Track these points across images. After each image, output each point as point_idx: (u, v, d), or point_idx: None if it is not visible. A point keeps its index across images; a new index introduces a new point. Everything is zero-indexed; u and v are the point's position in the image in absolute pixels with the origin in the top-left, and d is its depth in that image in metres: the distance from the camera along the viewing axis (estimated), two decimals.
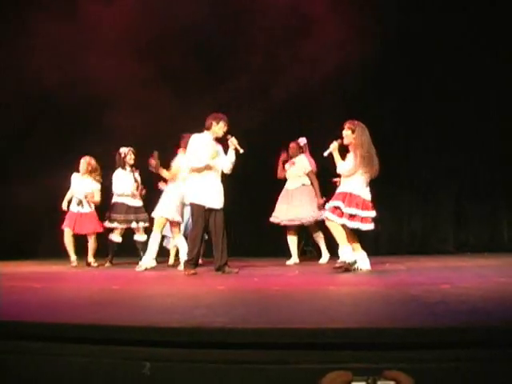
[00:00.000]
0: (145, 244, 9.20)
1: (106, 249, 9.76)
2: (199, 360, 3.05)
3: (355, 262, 7.04)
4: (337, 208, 7.03)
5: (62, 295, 5.48)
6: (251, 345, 3.03)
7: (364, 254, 7.23)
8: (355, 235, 7.24)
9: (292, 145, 9.38)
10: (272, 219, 9.32)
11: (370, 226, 7.12)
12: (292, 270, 7.99)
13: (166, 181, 8.96)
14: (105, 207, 9.72)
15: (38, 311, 4.20)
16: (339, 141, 7.23)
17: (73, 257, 9.45)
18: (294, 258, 9.26)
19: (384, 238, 10.51)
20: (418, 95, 10.60)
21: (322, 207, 8.73)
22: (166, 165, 8.78)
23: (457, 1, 10.11)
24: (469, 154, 10.49)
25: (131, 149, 9.44)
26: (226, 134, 7.65)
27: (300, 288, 5.71)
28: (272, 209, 9.36)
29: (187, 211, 8.85)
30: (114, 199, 9.53)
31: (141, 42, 10.19)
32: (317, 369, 2.67)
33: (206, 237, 8.43)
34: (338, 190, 7.21)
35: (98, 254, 9.80)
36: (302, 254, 10.33)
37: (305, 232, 9.89)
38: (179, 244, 8.80)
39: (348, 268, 6.99)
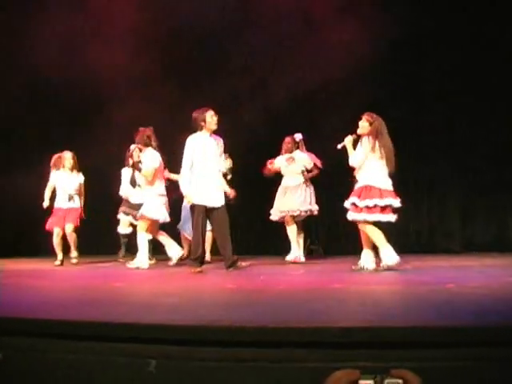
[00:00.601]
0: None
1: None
2: (205, 358, 3.05)
3: (398, 262, 6.94)
4: (353, 204, 6.98)
5: (67, 293, 5.49)
6: (257, 343, 3.02)
7: (371, 254, 7.18)
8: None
9: (287, 139, 9.24)
10: (272, 217, 9.27)
11: (390, 217, 7.02)
12: (297, 268, 7.97)
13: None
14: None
15: (42, 308, 4.20)
16: (354, 135, 7.18)
17: (60, 255, 9.37)
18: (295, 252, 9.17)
19: (390, 237, 10.47)
20: (426, 92, 10.57)
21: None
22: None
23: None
24: (476, 152, 10.44)
25: (138, 146, 9.39)
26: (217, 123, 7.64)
27: (306, 287, 5.70)
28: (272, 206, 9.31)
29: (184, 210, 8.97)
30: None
31: (147, 36, 10.14)
32: (323, 367, 2.66)
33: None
34: (356, 186, 7.16)
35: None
36: (309, 253, 10.31)
37: (311, 231, 9.88)
38: (163, 241, 8.85)
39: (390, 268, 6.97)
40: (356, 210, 6.94)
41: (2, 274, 7.36)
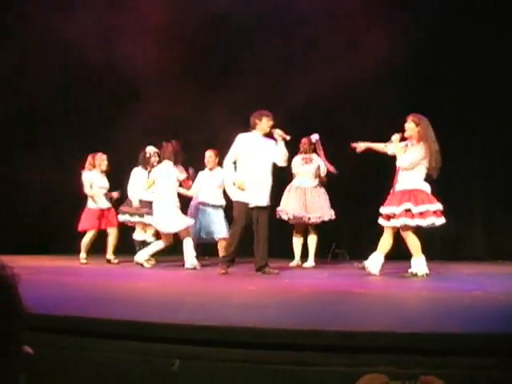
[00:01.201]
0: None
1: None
2: (229, 359, 3.04)
3: (426, 275, 6.87)
4: (407, 211, 6.90)
5: (93, 290, 5.51)
6: (283, 346, 3.02)
7: (381, 257, 7.10)
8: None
9: (304, 140, 9.01)
10: (283, 216, 8.89)
11: (443, 220, 6.99)
12: (321, 272, 7.93)
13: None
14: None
15: (69, 305, 4.23)
16: (400, 134, 7.11)
17: (85, 254, 9.37)
18: (298, 260, 8.97)
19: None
20: (448, 97, 10.48)
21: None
22: None
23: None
24: (503, 158, 10.33)
25: (157, 151, 9.35)
26: (271, 128, 7.61)
27: (330, 290, 5.67)
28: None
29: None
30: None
31: (169, 35, 10.15)
32: (350, 372, 2.65)
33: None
34: (398, 189, 7.03)
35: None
36: (333, 257, 10.26)
37: (336, 235, 9.83)
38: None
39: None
40: (409, 216, 6.84)
41: (28, 271, 7.39)
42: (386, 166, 7.45)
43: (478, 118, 10.33)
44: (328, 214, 8.86)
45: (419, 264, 6.82)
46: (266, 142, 7.59)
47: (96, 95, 11.08)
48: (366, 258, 7.14)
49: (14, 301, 1.71)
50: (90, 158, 9.50)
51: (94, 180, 9.43)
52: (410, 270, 6.84)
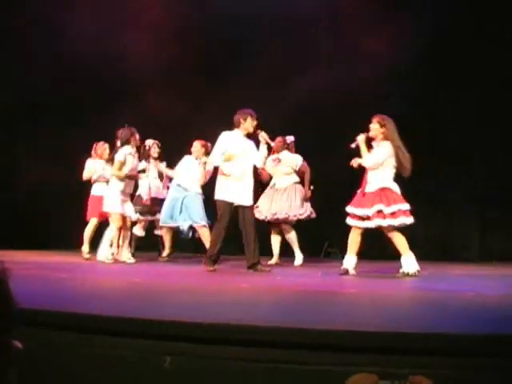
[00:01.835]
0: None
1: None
2: (220, 356, 3.05)
3: (417, 272, 6.89)
4: (380, 212, 6.89)
5: (86, 286, 5.51)
6: (274, 344, 3.02)
7: (355, 259, 7.12)
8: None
9: (278, 139, 8.82)
10: (256, 214, 8.55)
11: (411, 219, 6.92)
12: (314, 270, 7.94)
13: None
14: None
15: (61, 301, 4.22)
16: (366, 134, 7.13)
17: (87, 248, 9.29)
18: (275, 259, 8.90)
19: (408, 243, 10.42)
20: (444, 101, 10.50)
21: (308, 200, 8.79)
22: None
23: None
24: (495, 161, 10.35)
25: (156, 141, 9.36)
26: (255, 128, 7.62)
27: (322, 289, 5.68)
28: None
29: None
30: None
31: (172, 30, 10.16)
32: (340, 371, 2.66)
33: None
34: (369, 190, 7.04)
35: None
36: (326, 255, 10.27)
37: (328, 234, 9.84)
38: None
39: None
40: (381, 216, 6.87)
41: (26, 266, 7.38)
42: None
43: (474, 120, 10.33)
44: (296, 211, 8.77)
45: (409, 262, 6.81)
46: (246, 141, 7.61)
47: (92, 90, 11.03)
48: (359, 258, 7.15)
49: (5, 296, 1.70)
50: (94, 146, 9.49)
51: (96, 169, 9.38)
52: (401, 270, 6.83)
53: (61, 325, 3.39)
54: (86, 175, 9.36)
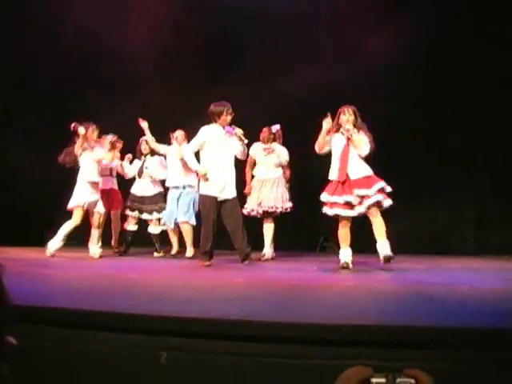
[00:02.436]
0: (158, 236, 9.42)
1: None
2: (215, 351, 3.05)
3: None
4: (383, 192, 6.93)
5: (80, 282, 5.51)
6: (268, 338, 3.02)
7: (350, 251, 7.14)
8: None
9: (264, 129, 8.79)
10: (246, 212, 8.64)
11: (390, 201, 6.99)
12: (310, 265, 7.95)
13: None
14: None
15: (56, 297, 4.22)
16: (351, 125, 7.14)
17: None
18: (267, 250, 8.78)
19: (404, 236, 10.41)
20: (442, 94, 10.50)
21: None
22: None
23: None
24: (492, 154, 10.36)
25: (144, 138, 9.38)
26: (230, 122, 7.63)
27: (319, 284, 5.69)
28: None
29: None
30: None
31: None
32: (335, 365, 2.66)
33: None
34: (359, 176, 7.00)
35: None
36: (321, 249, 10.28)
37: (325, 227, 9.84)
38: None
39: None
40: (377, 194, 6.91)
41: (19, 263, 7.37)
42: (375, 161, 7.45)
43: (471, 115, 10.33)
44: (280, 204, 8.70)
45: (387, 245, 6.82)
46: (226, 134, 7.61)
47: (92, 88, 11.01)
48: (355, 252, 7.16)
49: None
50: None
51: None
52: (384, 256, 6.79)
53: (55, 321, 3.38)
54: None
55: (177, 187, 9.14)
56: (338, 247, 7.32)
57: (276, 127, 8.87)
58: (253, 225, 8.64)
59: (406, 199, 9.75)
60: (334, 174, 7.11)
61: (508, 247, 9.96)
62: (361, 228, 7.19)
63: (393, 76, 10.09)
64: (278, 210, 8.70)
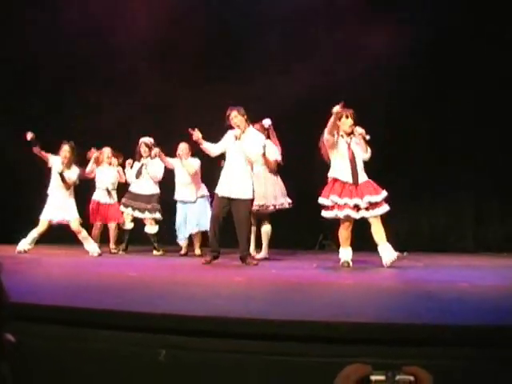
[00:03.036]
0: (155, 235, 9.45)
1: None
2: (215, 349, 3.05)
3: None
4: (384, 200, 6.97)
5: (80, 280, 5.51)
6: (268, 336, 3.02)
7: (351, 250, 7.16)
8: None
9: (256, 126, 8.31)
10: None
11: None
12: (309, 263, 7.95)
13: None
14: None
15: (55, 295, 4.22)
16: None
17: (113, 244, 9.56)
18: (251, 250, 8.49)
19: (402, 234, 10.43)
20: (442, 92, 10.50)
21: None
22: None
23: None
24: (491, 152, 10.36)
25: (144, 141, 9.38)
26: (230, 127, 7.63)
27: (318, 282, 5.68)
28: None
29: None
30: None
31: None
32: (334, 362, 2.66)
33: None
34: (363, 180, 7.04)
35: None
36: (321, 247, 10.28)
37: (323, 225, 9.84)
38: None
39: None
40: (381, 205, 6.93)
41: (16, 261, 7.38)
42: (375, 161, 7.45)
43: (471, 114, 10.34)
44: (271, 202, 8.56)
45: (390, 248, 6.87)
46: (242, 136, 7.57)
47: (92, 87, 11.00)
48: (354, 250, 7.17)
49: None
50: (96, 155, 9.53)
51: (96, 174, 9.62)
52: (388, 261, 6.83)
53: (54, 319, 3.38)
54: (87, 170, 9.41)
55: (184, 202, 9.22)
56: (337, 246, 7.32)
57: (268, 122, 8.70)
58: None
59: (406, 199, 9.79)
60: (341, 175, 7.10)
61: (507, 245, 9.98)
62: (360, 227, 7.20)
63: (393, 76, 10.09)
64: (270, 208, 8.53)
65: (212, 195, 8.15)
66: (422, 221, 10.83)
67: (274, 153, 8.60)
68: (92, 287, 4.85)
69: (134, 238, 9.74)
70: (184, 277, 6.16)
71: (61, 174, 8.65)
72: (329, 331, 2.98)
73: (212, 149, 7.71)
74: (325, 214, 7.09)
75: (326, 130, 7.05)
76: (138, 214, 9.41)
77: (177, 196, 9.30)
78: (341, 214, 6.96)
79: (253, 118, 7.92)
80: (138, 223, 9.56)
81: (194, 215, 9.14)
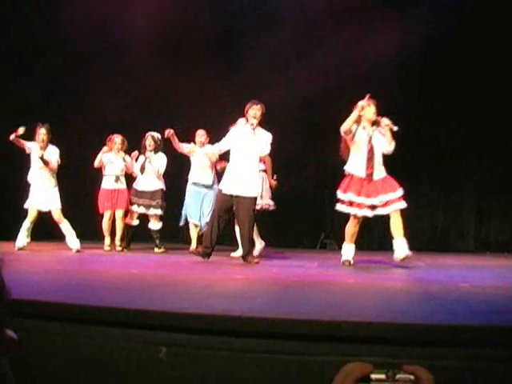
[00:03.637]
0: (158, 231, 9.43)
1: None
2: (215, 347, 3.05)
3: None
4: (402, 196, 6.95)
5: (82, 277, 5.51)
6: (269, 334, 3.03)
7: (354, 248, 7.16)
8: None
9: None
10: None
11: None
12: (310, 261, 7.94)
13: None
14: None
15: (58, 292, 4.22)
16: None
17: (108, 240, 9.45)
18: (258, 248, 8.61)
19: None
20: (444, 92, 10.50)
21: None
22: None
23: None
24: (492, 152, 10.37)
25: (151, 134, 9.37)
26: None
27: (319, 280, 5.68)
28: None
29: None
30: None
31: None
32: (335, 361, 2.67)
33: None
34: (380, 177, 6.99)
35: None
36: (322, 246, 10.29)
37: (325, 224, 9.86)
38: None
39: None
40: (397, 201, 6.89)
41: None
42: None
43: (473, 111, 10.33)
44: (269, 202, 8.64)
45: (405, 243, 6.81)
46: (251, 132, 7.51)
47: (99, 75, 10.99)
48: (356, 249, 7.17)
49: None
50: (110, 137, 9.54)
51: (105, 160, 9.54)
52: (400, 256, 6.80)
53: (55, 316, 3.38)
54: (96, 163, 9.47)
55: (200, 185, 9.14)
56: (339, 244, 7.30)
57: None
58: None
59: (405, 198, 9.77)
60: (356, 170, 7.02)
61: (508, 245, 9.99)
62: (364, 226, 7.20)
63: (393, 76, 10.08)
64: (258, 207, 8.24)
65: None
66: (423, 220, 10.83)
67: None
68: (93, 284, 4.85)
69: (135, 236, 9.74)
70: (185, 275, 6.16)
71: (42, 158, 8.62)
72: (330, 330, 2.98)
73: (217, 146, 7.70)
74: (340, 207, 7.02)
75: (346, 121, 6.99)
76: (143, 211, 9.40)
77: (192, 179, 9.17)
78: (357, 211, 6.92)
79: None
80: (141, 221, 9.58)
81: (210, 203, 8.92)
